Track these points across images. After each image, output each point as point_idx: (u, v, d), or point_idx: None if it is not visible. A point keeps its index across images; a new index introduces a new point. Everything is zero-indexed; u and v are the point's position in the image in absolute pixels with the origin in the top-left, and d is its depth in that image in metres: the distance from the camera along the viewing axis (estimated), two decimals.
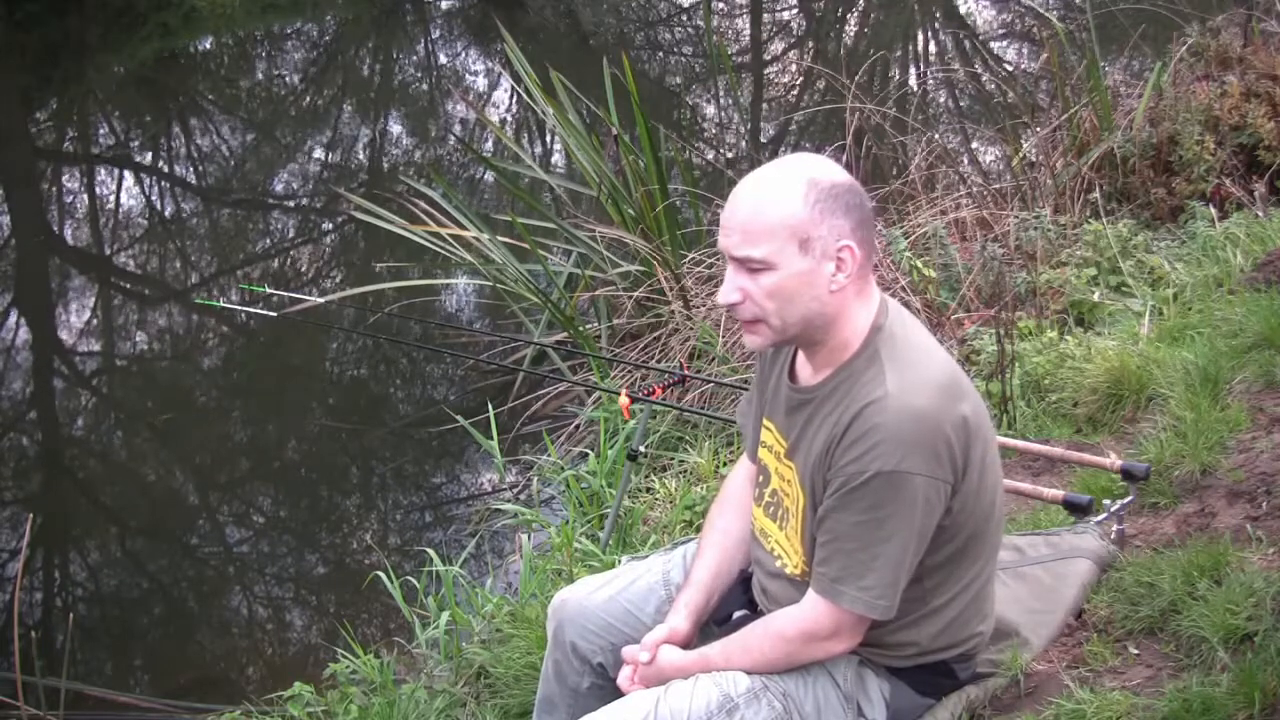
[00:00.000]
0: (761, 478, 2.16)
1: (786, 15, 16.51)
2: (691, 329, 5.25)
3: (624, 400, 3.54)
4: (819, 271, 1.90)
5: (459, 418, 4.88)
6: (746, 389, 2.56)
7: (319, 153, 12.04)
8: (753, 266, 1.89)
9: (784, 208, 1.88)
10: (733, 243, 1.90)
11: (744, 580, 2.24)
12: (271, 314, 6.49)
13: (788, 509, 2.06)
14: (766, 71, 13.68)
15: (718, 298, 1.94)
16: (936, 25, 14.16)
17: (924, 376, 1.92)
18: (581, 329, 5.66)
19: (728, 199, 1.94)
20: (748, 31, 15.70)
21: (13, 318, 8.07)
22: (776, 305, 1.90)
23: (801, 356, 2.07)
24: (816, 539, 1.96)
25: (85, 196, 10.89)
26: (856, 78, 6.00)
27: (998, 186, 5.96)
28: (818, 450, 1.96)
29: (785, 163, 1.96)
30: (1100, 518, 2.70)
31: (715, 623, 2.22)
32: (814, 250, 1.89)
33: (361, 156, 12.06)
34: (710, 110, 11.96)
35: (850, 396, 1.93)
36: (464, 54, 15.66)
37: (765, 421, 2.14)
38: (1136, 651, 2.30)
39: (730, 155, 9.95)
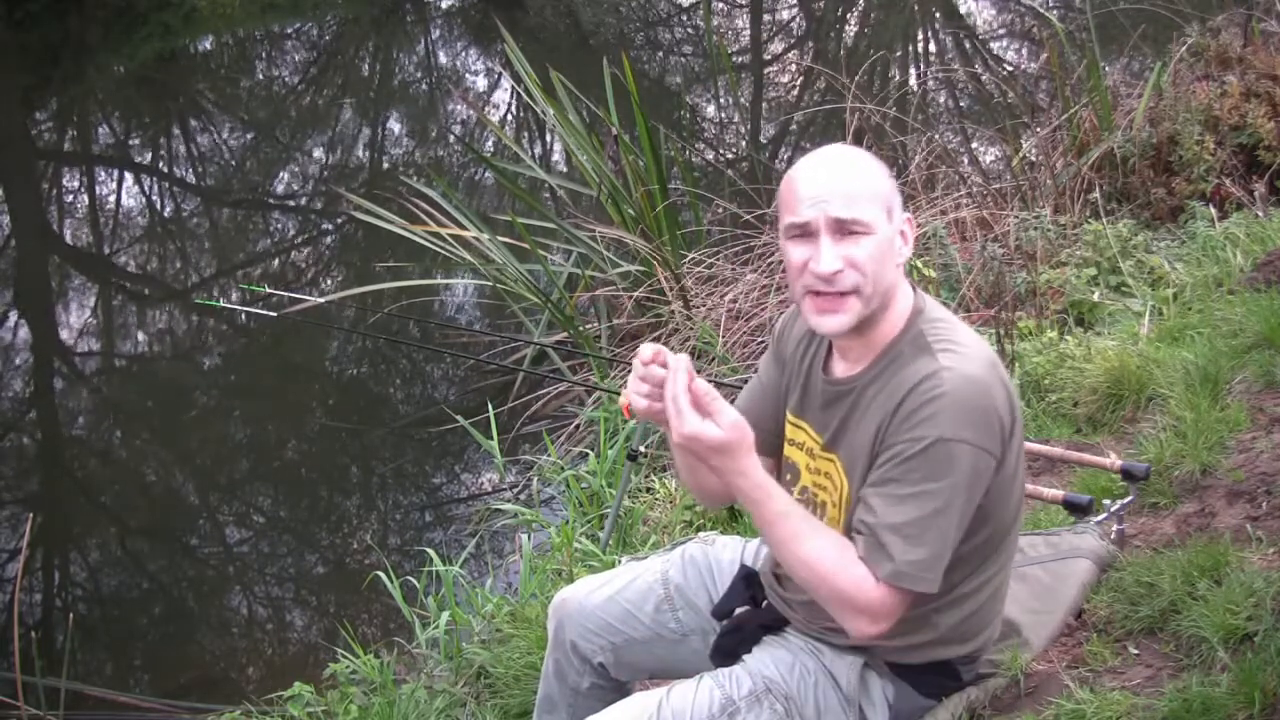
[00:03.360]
0: (790, 477, 2.14)
1: (786, 15, 16.52)
2: (691, 329, 5.25)
3: (624, 400, 3.53)
4: (895, 242, 1.94)
5: (459, 418, 4.88)
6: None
7: (319, 153, 12.05)
8: (855, 230, 1.88)
9: (875, 175, 1.94)
10: (835, 206, 1.88)
11: (745, 577, 2.23)
12: (271, 314, 6.48)
13: (823, 502, 2.04)
14: (766, 71, 13.68)
15: (819, 267, 1.88)
16: (936, 25, 14.16)
17: (973, 353, 1.93)
18: (581, 329, 5.66)
19: (802, 175, 1.93)
20: (748, 31, 15.70)
21: (13, 318, 8.07)
22: (873, 272, 1.90)
23: (836, 353, 2.06)
24: (860, 514, 1.90)
25: (85, 196, 10.90)
26: (856, 78, 6.00)
27: (998, 186, 5.96)
28: (867, 434, 1.94)
29: (841, 146, 2.04)
30: (1100, 518, 2.70)
31: (716, 618, 2.22)
32: (894, 220, 1.94)
33: (361, 156, 12.07)
34: (710, 110, 11.97)
35: (900, 377, 1.91)
36: (464, 54, 15.68)
37: (794, 420, 2.12)
38: (1136, 651, 2.30)
39: (730, 155, 9.96)
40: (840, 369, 2.04)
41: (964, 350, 1.92)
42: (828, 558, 1.89)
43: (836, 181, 1.90)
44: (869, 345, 1.98)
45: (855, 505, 1.95)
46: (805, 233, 1.91)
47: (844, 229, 1.88)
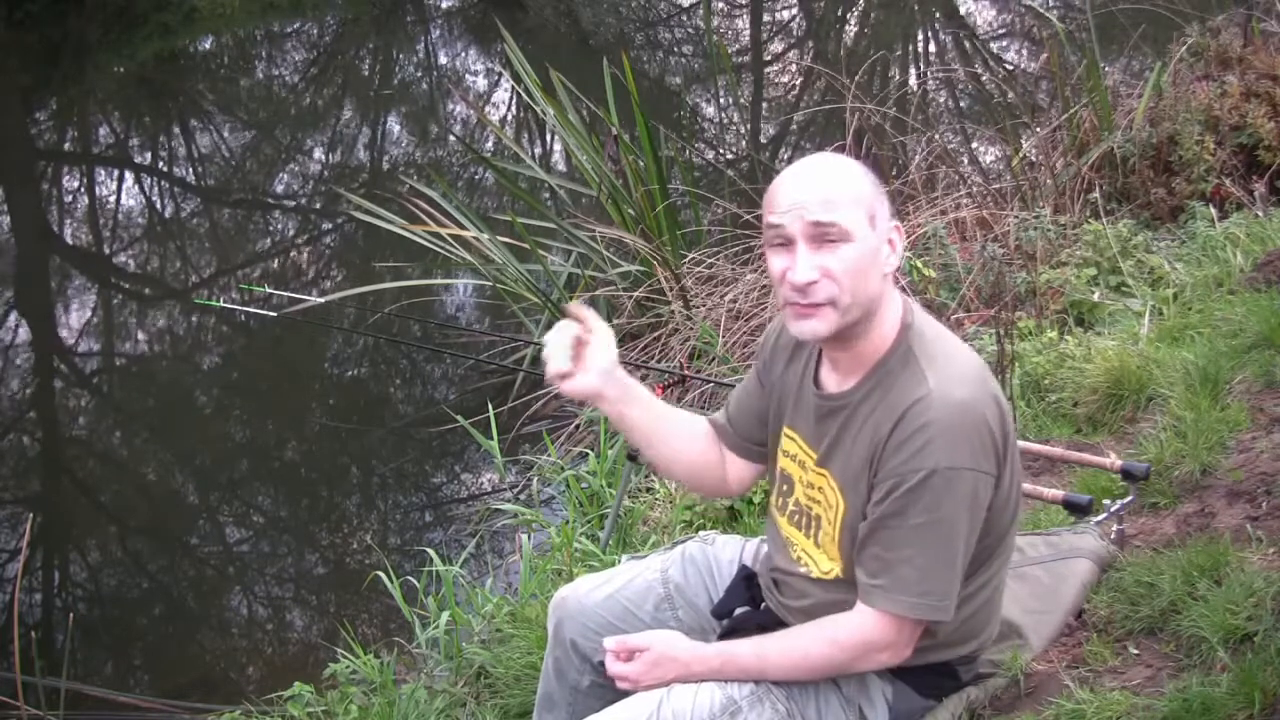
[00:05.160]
0: (785, 487, 2.13)
1: (786, 15, 16.51)
2: (691, 329, 5.25)
3: None
4: (880, 250, 1.91)
5: (459, 418, 4.88)
6: None
7: (319, 153, 12.05)
8: (833, 237, 1.86)
9: (856, 181, 1.91)
10: (811, 210, 1.86)
11: (745, 578, 2.24)
12: (271, 314, 6.49)
13: (818, 516, 2.04)
14: (766, 71, 13.68)
15: (794, 277, 1.87)
16: (936, 25, 14.15)
17: (961, 370, 1.92)
18: None
19: (782, 183, 1.92)
20: (748, 31, 15.70)
21: (13, 318, 8.07)
22: (851, 282, 1.87)
23: (826, 364, 2.05)
24: (867, 549, 1.93)
25: (85, 196, 10.89)
26: (856, 78, 6.00)
27: (998, 186, 5.95)
28: (860, 456, 1.94)
29: (824, 154, 2.01)
30: (1100, 518, 2.70)
31: (716, 617, 2.23)
32: (878, 228, 1.91)
33: (361, 156, 12.06)
34: (710, 110, 11.96)
35: (891, 398, 1.91)
36: (464, 54, 15.67)
37: (787, 431, 2.12)
38: (1136, 651, 2.30)
39: (730, 155, 9.95)
40: (831, 382, 2.03)
41: (952, 369, 1.91)
42: (815, 650, 1.97)
43: (815, 187, 1.88)
44: (858, 358, 1.97)
45: (852, 528, 1.96)
46: (783, 239, 1.90)
47: (822, 235, 1.86)
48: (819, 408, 2.04)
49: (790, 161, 2.03)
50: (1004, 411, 1.93)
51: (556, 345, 2.03)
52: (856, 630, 1.94)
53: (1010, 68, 11.21)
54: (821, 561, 2.04)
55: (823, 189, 1.88)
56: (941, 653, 2.07)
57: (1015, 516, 2.05)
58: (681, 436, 2.22)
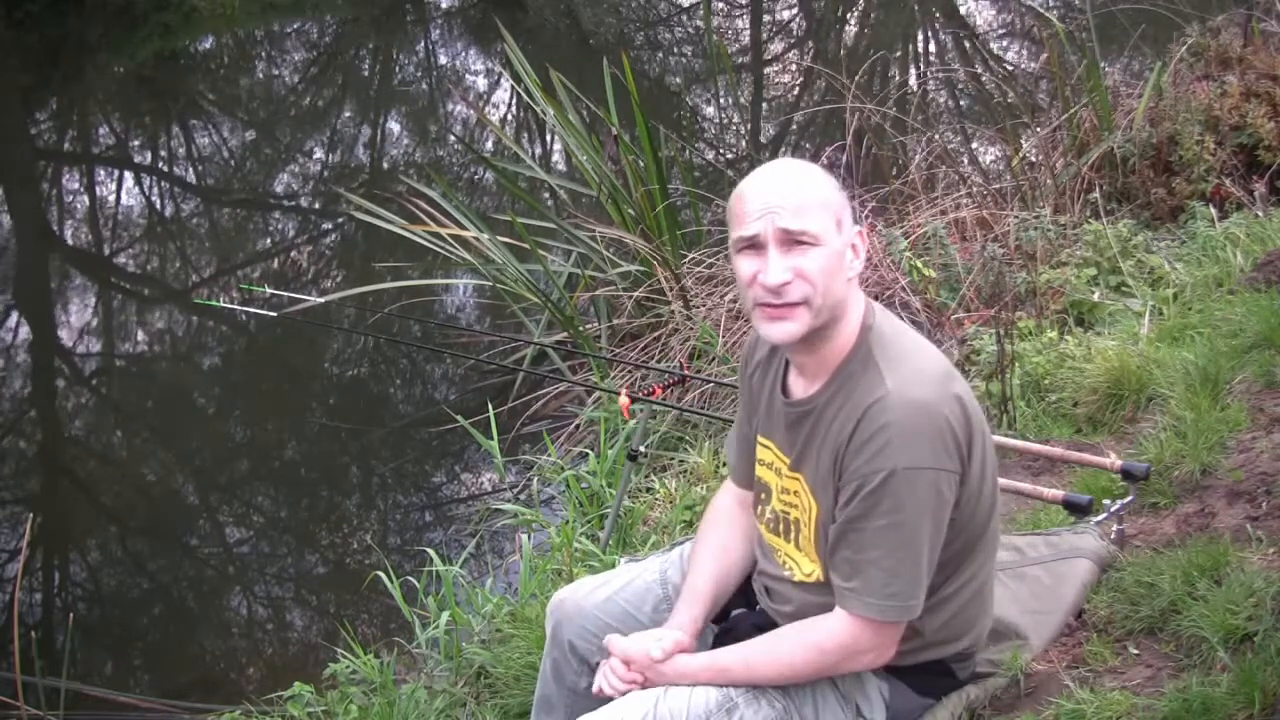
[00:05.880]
0: (763, 496, 2.15)
1: (786, 15, 16.51)
2: (691, 329, 5.25)
3: (624, 400, 3.54)
4: (845, 254, 1.95)
5: (459, 418, 4.88)
6: None
7: (319, 153, 12.04)
8: (804, 241, 1.89)
9: (824, 187, 1.94)
10: (784, 217, 1.88)
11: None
12: (271, 314, 6.49)
13: (796, 520, 2.05)
14: (766, 71, 13.68)
15: (767, 279, 1.89)
16: (936, 25, 14.14)
17: (920, 370, 1.93)
18: (581, 329, 5.66)
19: (749, 189, 1.94)
20: (748, 31, 15.70)
21: (13, 318, 8.07)
22: (823, 284, 1.90)
23: (793, 371, 2.07)
24: (838, 552, 1.95)
25: (85, 196, 10.89)
26: (856, 78, 5.99)
27: (998, 186, 5.95)
28: (826, 458, 1.96)
29: (786, 159, 2.04)
30: (1100, 518, 2.70)
31: (713, 619, 2.23)
32: (844, 232, 1.94)
33: (361, 156, 12.06)
34: (710, 110, 11.96)
35: (852, 400, 1.93)
36: (464, 54, 15.66)
37: (762, 440, 2.14)
38: (1136, 651, 2.30)
39: (730, 155, 9.95)
40: (798, 388, 2.05)
41: (910, 369, 1.92)
42: (800, 656, 1.97)
43: (784, 193, 1.90)
44: (823, 362, 1.99)
45: (826, 529, 1.98)
46: (754, 245, 1.92)
47: (792, 240, 1.89)
48: (787, 415, 2.05)
49: None
50: (967, 408, 1.94)
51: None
52: (836, 634, 1.96)
53: (1010, 68, 11.20)
54: (804, 564, 2.05)
55: (794, 196, 1.90)
56: (933, 651, 2.07)
57: (993, 512, 2.05)
58: (738, 549, 2.23)
